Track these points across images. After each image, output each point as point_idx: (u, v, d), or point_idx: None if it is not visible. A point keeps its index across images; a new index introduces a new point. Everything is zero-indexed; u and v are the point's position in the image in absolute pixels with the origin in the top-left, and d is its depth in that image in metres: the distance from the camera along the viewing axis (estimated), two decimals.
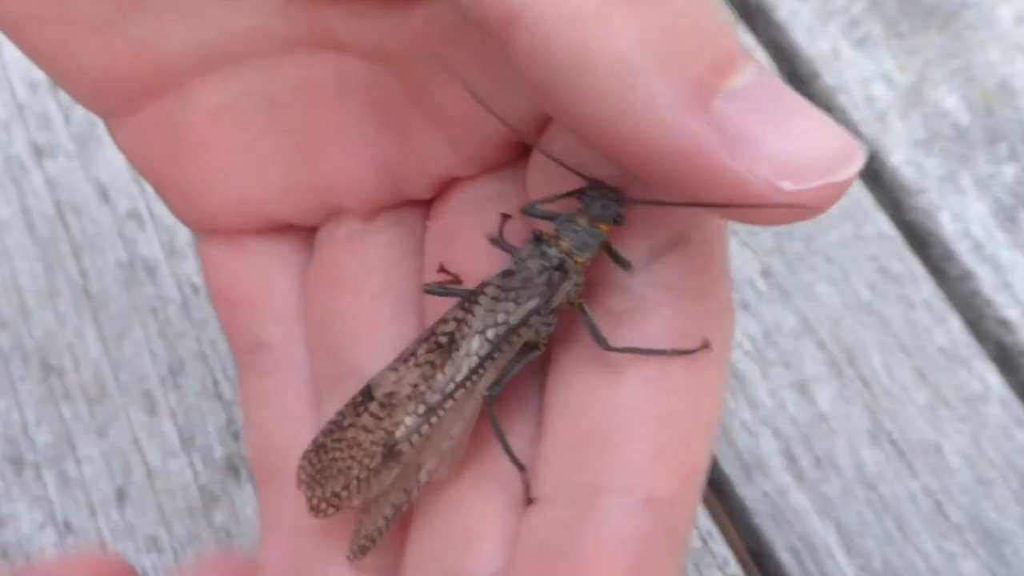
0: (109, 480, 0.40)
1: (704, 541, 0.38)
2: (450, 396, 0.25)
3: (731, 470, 0.40)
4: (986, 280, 0.42)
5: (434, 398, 0.25)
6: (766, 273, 0.43)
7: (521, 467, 0.24)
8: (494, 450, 0.25)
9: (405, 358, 0.26)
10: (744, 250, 0.43)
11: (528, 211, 0.26)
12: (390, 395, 0.26)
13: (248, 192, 0.30)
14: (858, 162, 0.20)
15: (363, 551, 0.26)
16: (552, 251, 0.25)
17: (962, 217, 0.43)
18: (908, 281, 0.42)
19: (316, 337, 0.29)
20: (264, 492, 0.29)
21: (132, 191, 0.46)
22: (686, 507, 0.23)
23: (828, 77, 0.46)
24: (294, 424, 0.29)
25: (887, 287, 0.42)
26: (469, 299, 0.25)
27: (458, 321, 0.25)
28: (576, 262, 0.25)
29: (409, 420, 0.25)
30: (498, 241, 0.26)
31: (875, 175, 0.45)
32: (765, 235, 0.43)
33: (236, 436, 0.41)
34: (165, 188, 0.30)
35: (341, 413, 0.27)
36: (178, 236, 0.45)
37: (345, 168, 0.29)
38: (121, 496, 0.40)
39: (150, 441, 0.41)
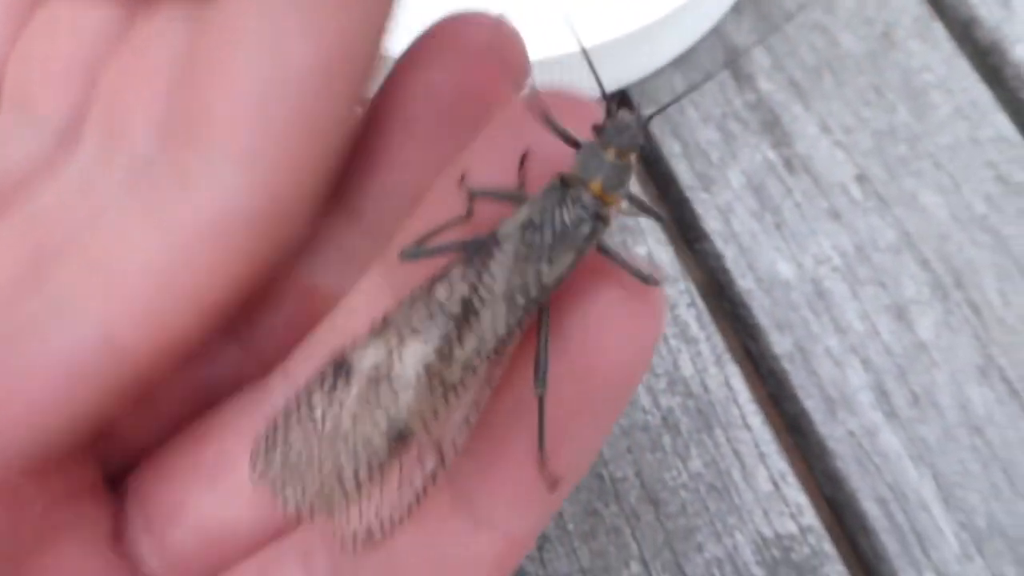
0: None
1: (776, 484, 0.33)
2: (473, 370, 0.21)
3: (811, 404, 0.34)
4: None
5: (454, 375, 0.21)
6: (862, 178, 0.36)
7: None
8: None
9: (398, 328, 0.22)
10: (836, 151, 0.37)
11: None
12: (383, 368, 0.22)
13: None
14: None
15: (364, 541, 0.22)
16: (586, 196, 0.21)
17: None
18: None
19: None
20: None
21: None
22: None
23: None
24: None
25: (1006, 200, 0.36)
26: (480, 259, 0.22)
27: (471, 285, 0.22)
28: (608, 204, 0.21)
29: (422, 399, 0.21)
30: (495, 193, 0.22)
31: (995, 69, 0.38)
32: (863, 135, 0.37)
33: None
34: None
35: (309, 393, 0.22)
36: None
37: None
38: None
39: None
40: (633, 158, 0.21)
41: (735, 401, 0.34)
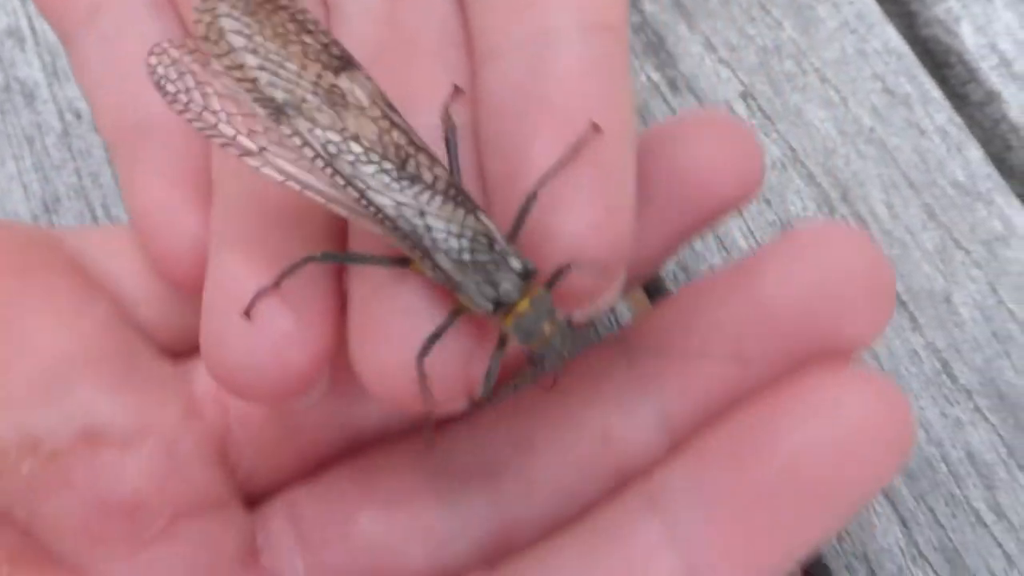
0: None
1: None
2: (349, 184, 0.22)
3: None
4: (1014, 103, 0.35)
5: (347, 168, 0.22)
6: (747, 95, 0.36)
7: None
8: None
9: (385, 114, 0.22)
10: (721, 69, 0.36)
11: None
12: (343, 96, 0.22)
13: None
14: None
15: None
16: (512, 269, 0.21)
17: (987, 29, 0.36)
18: (919, 104, 0.35)
19: None
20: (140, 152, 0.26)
21: (12, 5, 0.39)
22: (624, 30, 0.22)
23: None
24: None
25: (893, 111, 0.35)
26: (450, 188, 0.22)
27: (433, 189, 0.22)
28: (492, 303, 0.21)
29: (323, 134, 0.22)
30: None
31: None
32: (747, 51, 0.36)
33: None
34: None
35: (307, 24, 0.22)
36: (62, 57, 0.38)
37: None
38: None
39: None
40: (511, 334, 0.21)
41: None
